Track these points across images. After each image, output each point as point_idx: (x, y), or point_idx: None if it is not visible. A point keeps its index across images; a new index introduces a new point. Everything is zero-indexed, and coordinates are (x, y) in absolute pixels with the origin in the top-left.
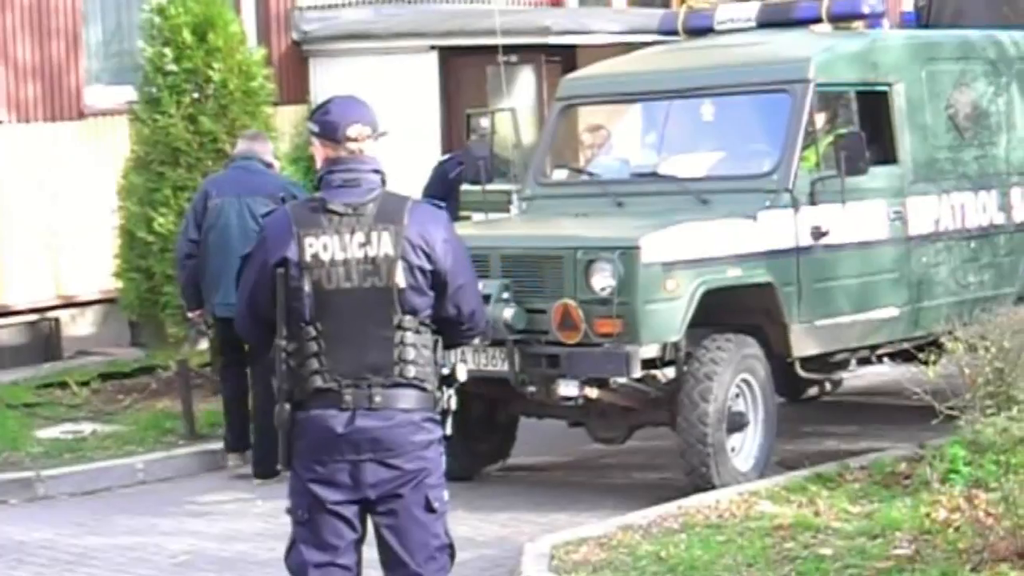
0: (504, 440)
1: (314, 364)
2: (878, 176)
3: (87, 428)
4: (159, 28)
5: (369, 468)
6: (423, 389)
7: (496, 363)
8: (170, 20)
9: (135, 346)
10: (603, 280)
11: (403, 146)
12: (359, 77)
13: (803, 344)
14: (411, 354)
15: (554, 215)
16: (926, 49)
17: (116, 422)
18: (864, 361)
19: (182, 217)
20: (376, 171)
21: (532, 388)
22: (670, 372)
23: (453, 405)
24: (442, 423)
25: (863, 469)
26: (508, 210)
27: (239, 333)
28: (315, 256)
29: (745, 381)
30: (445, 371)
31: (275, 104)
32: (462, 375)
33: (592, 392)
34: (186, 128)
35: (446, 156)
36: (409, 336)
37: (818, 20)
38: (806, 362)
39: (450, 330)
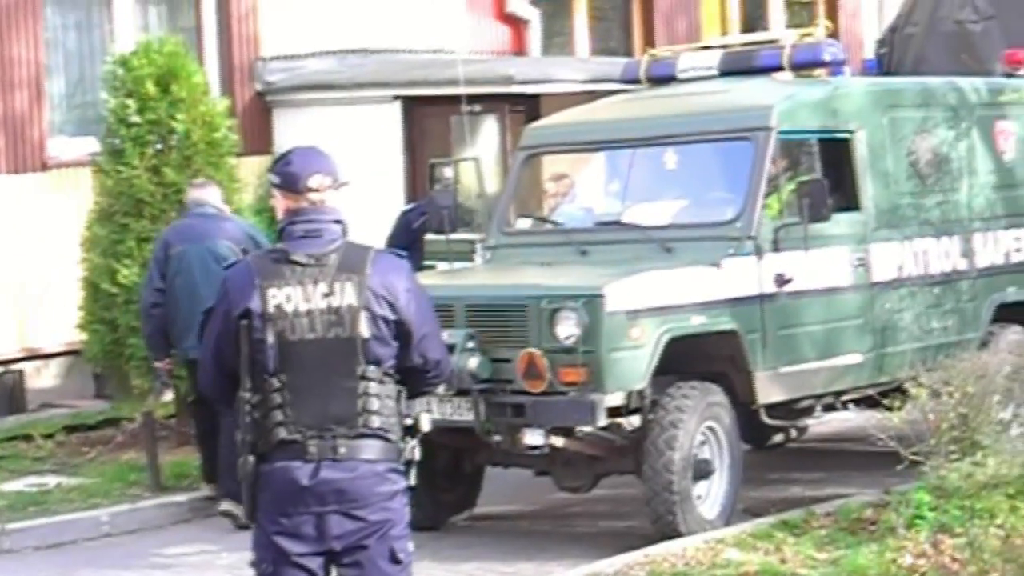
0: (470, 489)
1: (278, 416)
2: (841, 223)
3: (52, 481)
4: (122, 79)
5: (334, 520)
6: (387, 439)
7: (461, 412)
8: (133, 71)
9: (100, 398)
10: (568, 329)
11: (367, 196)
12: (323, 127)
13: (768, 391)
14: (375, 404)
15: (518, 264)
16: (888, 96)
17: (81, 475)
18: (829, 407)
19: (146, 268)
20: (337, 221)
21: (498, 437)
22: (635, 420)
23: (417, 455)
24: (406, 473)
25: (829, 515)
26: (472, 259)
27: (202, 388)
28: (278, 307)
29: (710, 428)
30: (409, 421)
31: (239, 155)
32: (426, 425)
33: (558, 441)
34: (150, 179)
35: (410, 206)
36: (373, 386)
37: (780, 68)
38: (771, 409)
39: (415, 379)
